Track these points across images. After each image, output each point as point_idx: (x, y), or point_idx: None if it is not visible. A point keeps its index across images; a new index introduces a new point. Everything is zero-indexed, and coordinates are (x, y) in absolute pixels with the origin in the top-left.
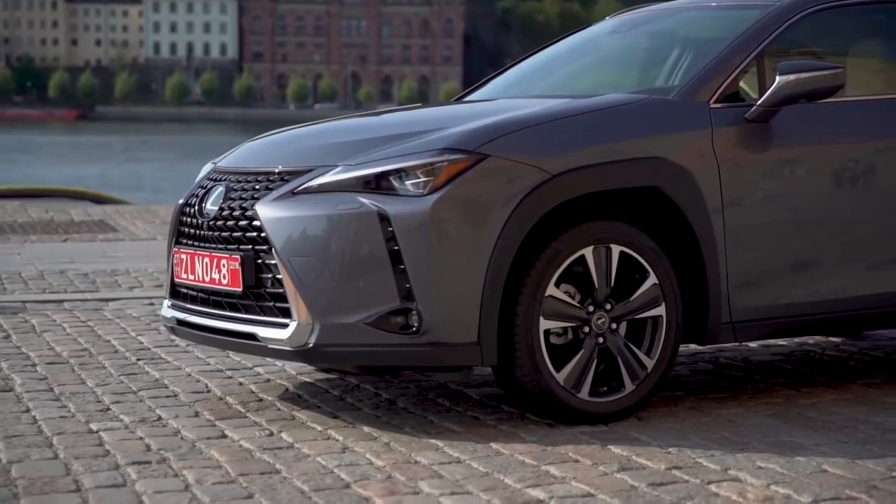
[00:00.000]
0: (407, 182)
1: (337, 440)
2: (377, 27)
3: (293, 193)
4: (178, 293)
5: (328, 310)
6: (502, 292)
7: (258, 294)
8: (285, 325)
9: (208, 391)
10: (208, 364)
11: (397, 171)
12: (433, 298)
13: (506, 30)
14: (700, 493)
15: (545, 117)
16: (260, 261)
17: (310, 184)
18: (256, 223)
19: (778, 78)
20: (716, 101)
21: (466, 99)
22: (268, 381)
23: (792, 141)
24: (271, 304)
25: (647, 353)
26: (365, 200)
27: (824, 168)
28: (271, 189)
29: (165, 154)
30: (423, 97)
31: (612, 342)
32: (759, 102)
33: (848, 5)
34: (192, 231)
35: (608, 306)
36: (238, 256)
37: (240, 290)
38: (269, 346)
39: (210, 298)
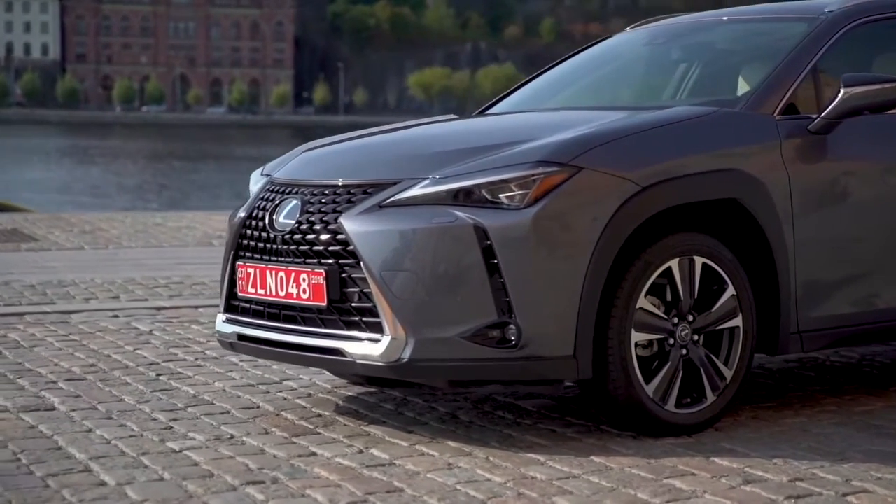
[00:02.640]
0: (501, 195)
1: (433, 455)
2: (206, 29)
3: (380, 206)
4: (234, 308)
5: (423, 324)
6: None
7: (343, 309)
8: (376, 341)
9: (258, 407)
10: (233, 379)
11: (491, 183)
12: (532, 312)
13: (337, 34)
14: None
15: (629, 129)
16: (345, 275)
17: (397, 196)
18: (341, 237)
19: (843, 90)
20: (779, 114)
21: (499, 109)
22: (309, 395)
23: (856, 152)
24: (358, 318)
25: (725, 364)
26: (460, 213)
27: (888, 179)
28: (354, 202)
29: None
30: (253, 100)
31: (694, 353)
32: (823, 115)
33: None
34: (260, 245)
35: (690, 318)
36: (322, 271)
37: (324, 304)
38: (358, 361)
39: (281, 313)
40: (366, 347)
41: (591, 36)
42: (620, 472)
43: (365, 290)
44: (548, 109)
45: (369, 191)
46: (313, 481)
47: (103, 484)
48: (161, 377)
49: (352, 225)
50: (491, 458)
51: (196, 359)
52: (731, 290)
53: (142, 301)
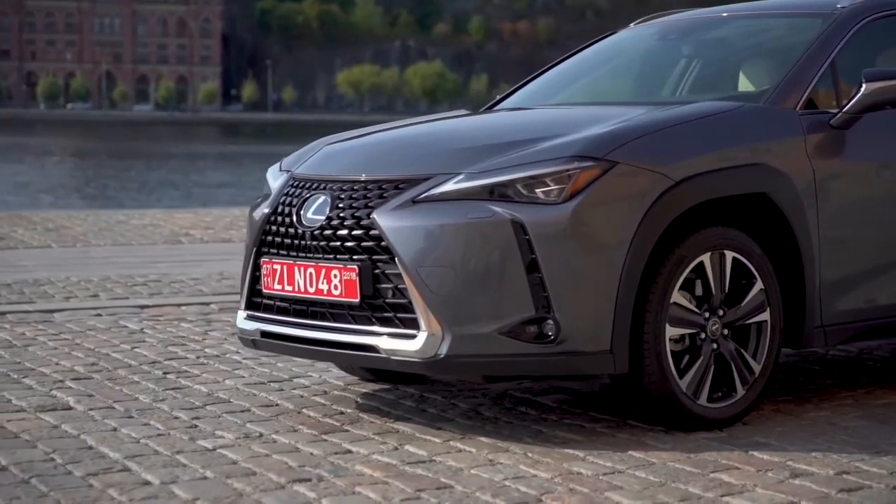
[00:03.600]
0: (537, 190)
1: (470, 452)
2: (132, 25)
3: (413, 202)
4: (256, 304)
5: (460, 320)
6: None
7: (375, 305)
8: (412, 337)
9: (277, 405)
10: (242, 377)
11: (527, 178)
12: (570, 307)
13: (265, 31)
14: None
15: (660, 124)
16: (378, 271)
17: (431, 192)
18: (374, 232)
19: (864, 85)
20: (801, 108)
21: (512, 104)
22: (325, 392)
23: (878, 146)
24: (391, 314)
25: (754, 358)
26: (497, 209)
27: None
28: (386, 197)
29: None
30: (181, 97)
31: (724, 348)
32: (844, 109)
33: None
34: (287, 241)
35: (721, 312)
36: (355, 267)
37: (356, 300)
38: (393, 357)
39: (309, 309)
40: (401, 343)
41: (520, 34)
42: (664, 467)
43: (399, 286)
44: (570, 104)
45: (401, 186)
46: (359, 479)
47: (147, 483)
48: (168, 375)
49: (385, 220)
50: (529, 454)
51: (198, 357)
52: (759, 285)
53: (122, 299)
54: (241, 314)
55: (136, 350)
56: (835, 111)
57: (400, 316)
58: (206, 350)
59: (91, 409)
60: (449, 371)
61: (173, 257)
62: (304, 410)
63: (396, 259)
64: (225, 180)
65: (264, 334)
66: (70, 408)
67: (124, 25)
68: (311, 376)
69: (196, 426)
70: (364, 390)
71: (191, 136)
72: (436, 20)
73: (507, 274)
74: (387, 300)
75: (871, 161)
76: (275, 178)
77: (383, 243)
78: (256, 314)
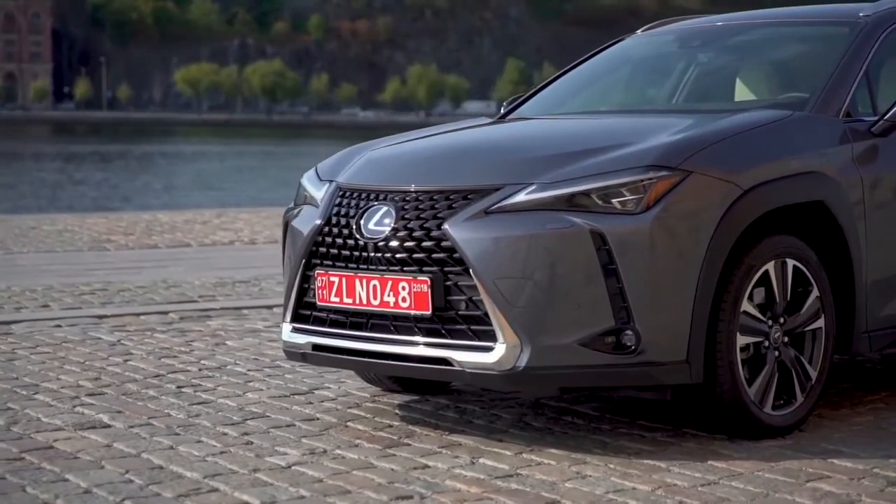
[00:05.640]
0: (613, 200)
1: (549, 464)
2: None
3: (486, 213)
4: (305, 317)
5: (539, 331)
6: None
7: (447, 317)
8: (488, 349)
9: (318, 419)
10: (260, 389)
11: (603, 188)
12: (650, 317)
13: (98, 27)
14: None
15: (725, 132)
16: (450, 282)
17: (504, 202)
18: (446, 244)
19: None
20: (842, 116)
21: (532, 111)
22: (358, 405)
23: None
24: (465, 327)
25: (810, 364)
26: (576, 219)
27: None
28: (455, 208)
29: None
30: (10, 95)
31: (785, 355)
32: (886, 117)
33: None
34: (346, 253)
35: (782, 320)
36: (426, 279)
37: (428, 313)
38: (468, 370)
39: (369, 322)
40: (476, 356)
41: (359, 33)
42: (756, 478)
43: (473, 298)
44: (614, 112)
45: (469, 197)
46: (459, 494)
47: None
48: (184, 389)
49: (458, 232)
50: (611, 466)
51: (199, 369)
52: (815, 292)
53: (76, 309)
54: (287, 327)
55: (130, 363)
56: (873, 119)
57: (474, 328)
58: (203, 362)
59: (132, 427)
60: (526, 383)
61: (106, 265)
62: (350, 424)
63: (471, 271)
64: (60, 179)
65: (316, 347)
66: (108, 425)
67: None
68: (330, 387)
69: (251, 442)
70: (397, 401)
71: (21, 135)
72: (274, 18)
73: (587, 284)
74: (459, 312)
75: None
76: (315, 187)
77: (456, 255)
78: (305, 327)
